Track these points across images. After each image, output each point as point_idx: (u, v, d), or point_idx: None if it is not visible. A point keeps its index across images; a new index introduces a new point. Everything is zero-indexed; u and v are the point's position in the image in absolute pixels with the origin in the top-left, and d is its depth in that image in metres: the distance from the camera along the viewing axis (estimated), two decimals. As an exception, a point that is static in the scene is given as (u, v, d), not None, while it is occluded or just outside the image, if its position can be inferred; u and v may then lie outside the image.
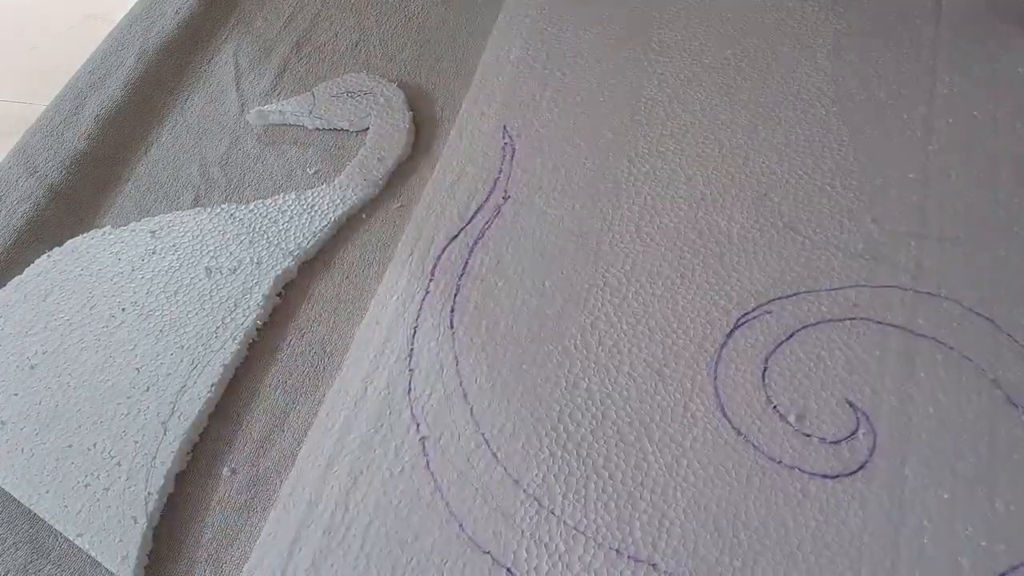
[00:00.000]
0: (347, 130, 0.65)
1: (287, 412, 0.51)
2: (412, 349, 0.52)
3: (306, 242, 0.58)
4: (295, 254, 0.57)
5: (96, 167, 0.65)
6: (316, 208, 0.59)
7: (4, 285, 0.57)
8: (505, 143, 0.62)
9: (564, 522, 0.45)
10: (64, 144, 0.65)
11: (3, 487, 0.49)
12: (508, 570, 0.44)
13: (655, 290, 0.53)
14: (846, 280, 0.52)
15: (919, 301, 0.51)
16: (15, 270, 0.58)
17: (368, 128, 0.64)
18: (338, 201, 0.60)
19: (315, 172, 0.63)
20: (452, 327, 0.53)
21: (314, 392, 0.52)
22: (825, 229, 0.54)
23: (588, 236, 0.56)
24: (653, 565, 0.43)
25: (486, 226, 0.57)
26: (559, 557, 0.44)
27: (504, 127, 0.62)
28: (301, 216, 0.59)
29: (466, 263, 0.56)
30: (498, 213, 0.58)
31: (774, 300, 0.52)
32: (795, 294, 0.52)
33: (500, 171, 0.60)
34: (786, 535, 0.43)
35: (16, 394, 0.52)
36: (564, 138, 0.61)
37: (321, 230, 0.58)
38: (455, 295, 0.54)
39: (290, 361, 0.54)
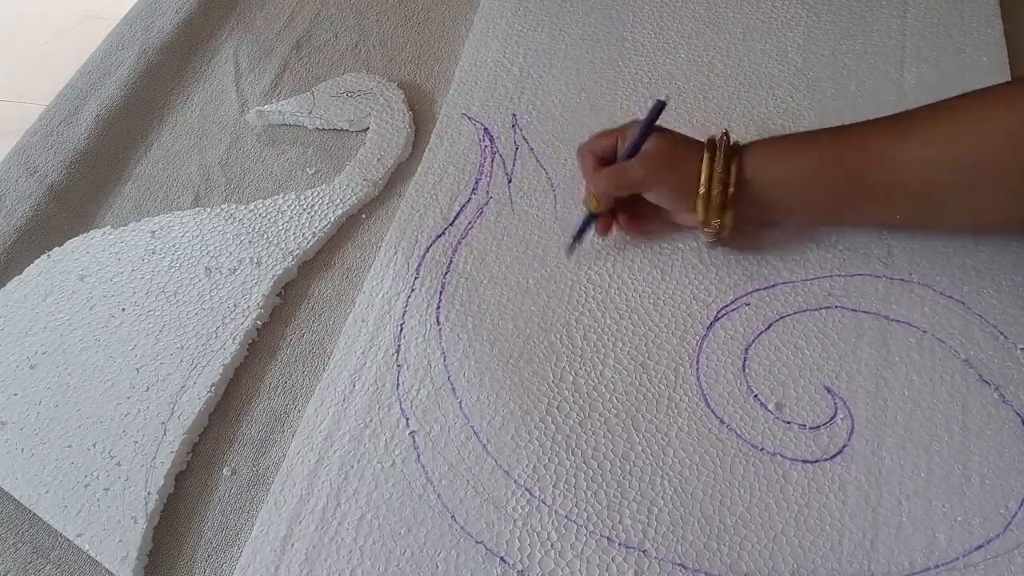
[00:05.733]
0: (347, 130, 0.60)
1: (287, 412, 0.47)
2: (399, 345, 0.48)
3: (306, 242, 0.53)
4: (295, 254, 0.52)
5: (96, 167, 0.60)
6: (316, 208, 0.54)
7: (4, 285, 0.52)
8: (485, 146, 0.57)
9: (555, 511, 0.41)
10: (64, 144, 0.60)
11: (3, 487, 0.44)
12: (501, 559, 0.40)
13: (637, 286, 0.49)
14: (821, 271, 0.48)
15: (892, 288, 0.47)
16: (15, 270, 0.53)
17: (368, 128, 0.59)
18: (338, 201, 0.55)
19: (315, 172, 0.58)
20: (439, 323, 0.49)
21: (314, 392, 0.47)
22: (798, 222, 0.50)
23: (570, 235, 0.51)
24: (643, 551, 0.40)
25: (470, 226, 0.53)
26: (551, 545, 0.40)
27: (484, 129, 0.58)
28: (301, 216, 0.54)
29: (451, 261, 0.51)
30: (481, 214, 0.54)
31: (752, 292, 0.48)
32: (772, 286, 0.48)
33: (481, 173, 0.56)
34: (770, 519, 0.40)
35: (16, 394, 0.47)
36: (543, 140, 0.57)
37: (321, 230, 0.53)
38: (440, 292, 0.50)
39: (290, 361, 0.49)
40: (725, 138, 0.45)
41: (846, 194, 0.44)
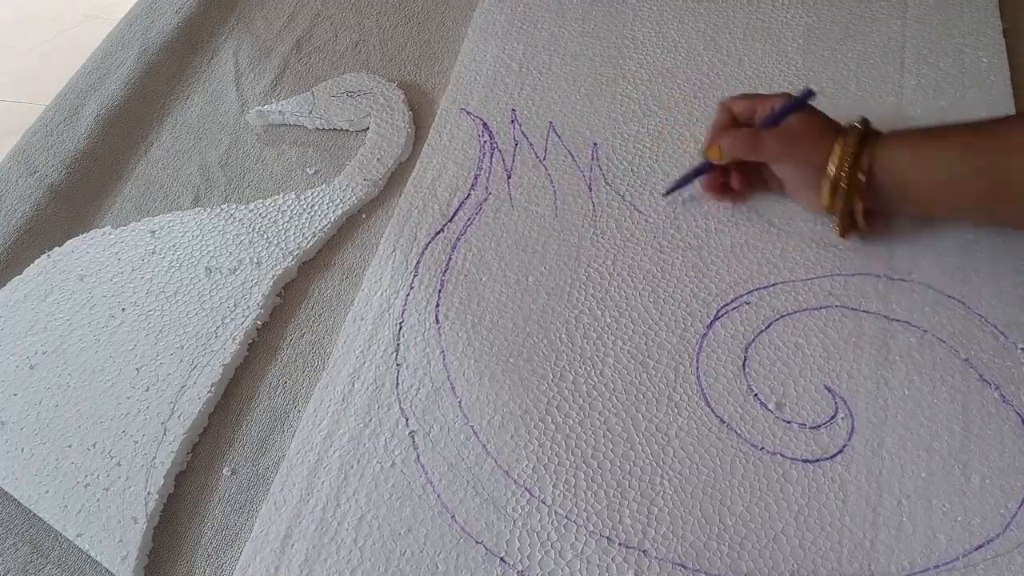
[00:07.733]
0: (347, 130, 0.60)
1: (287, 412, 0.47)
2: (399, 344, 0.48)
3: (306, 242, 0.53)
4: (295, 254, 0.52)
5: (96, 167, 0.60)
6: (316, 208, 0.54)
7: (4, 285, 0.52)
8: (484, 141, 0.57)
9: (555, 511, 0.41)
10: (64, 144, 0.60)
11: (3, 487, 0.44)
12: (501, 559, 0.40)
13: (637, 284, 0.49)
14: (821, 270, 0.48)
15: (892, 287, 0.47)
16: (15, 270, 0.53)
17: (368, 128, 0.59)
18: (338, 201, 0.55)
19: (315, 172, 0.58)
20: (438, 322, 0.48)
21: (314, 392, 0.47)
22: (799, 221, 0.50)
23: (570, 233, 0.52)
24: (643, 551, 0.40)
25: (468, 223, 0.53)
26: (551, 545, 0.40)
27: (483, 124, 0.58)
28: (301, 216, 0.54)
29: (449, 259, 0.51)
30: (480, 210, 0.53)
31: (752, 291, 0.48)
32: (772, 285, 0.48)
33: (480, 169, 0.56)
34: (770, 519, 0.40)
35: (16, 394, 0.47)
36: (542, 136, 0.57)
37: (321, 230, 0.53)
38: (439, 290, 0.50)
39: (290, 361, 0.49)
40: (861, 125, 0.45)
41: (987, 188, 0.42)
